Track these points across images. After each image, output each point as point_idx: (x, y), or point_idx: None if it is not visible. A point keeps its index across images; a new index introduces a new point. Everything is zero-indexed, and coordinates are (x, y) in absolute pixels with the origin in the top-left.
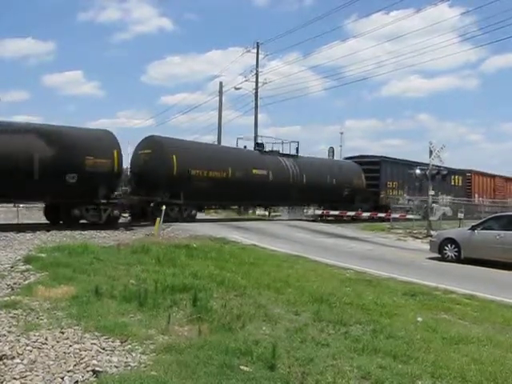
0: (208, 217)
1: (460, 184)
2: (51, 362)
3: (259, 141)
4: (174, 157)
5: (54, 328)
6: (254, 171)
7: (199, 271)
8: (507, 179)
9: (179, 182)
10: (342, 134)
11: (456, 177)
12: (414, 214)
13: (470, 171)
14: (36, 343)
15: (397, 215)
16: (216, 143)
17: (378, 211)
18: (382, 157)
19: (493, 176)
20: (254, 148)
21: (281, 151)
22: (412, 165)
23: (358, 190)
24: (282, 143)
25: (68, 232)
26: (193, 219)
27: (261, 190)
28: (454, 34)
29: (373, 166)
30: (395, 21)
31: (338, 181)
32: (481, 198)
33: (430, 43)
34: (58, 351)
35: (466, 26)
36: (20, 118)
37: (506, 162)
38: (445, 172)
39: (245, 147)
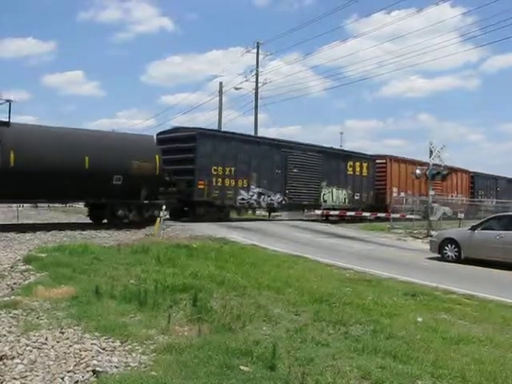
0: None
1: (366, 173)
2: (51, 362)
3: None
4: None
5: (54, 328)
6: None
7: (199, 271)
8: (450, 169)
9: None
10: (342, 134)
11: (358, 163)
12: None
13: (383, 156)
14: (36, 343)
15: (397, 215)
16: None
17: (195, 208)
18: (200, 129)
19: (424, 164)
20: None
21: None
22: (267, 143)
23: (144, 179)
24: None
25: (68, 232)
26: None
27: None
28: (455, 33)
29: (186, 144)
30: (396, 21)
31: (97, 164)
32: (403, 194)
33: (431, 43)
34: (58, 351)
35: (467, 26)
36: (20, 119)
37: (507, 162)
38: (445, 172)
39: None
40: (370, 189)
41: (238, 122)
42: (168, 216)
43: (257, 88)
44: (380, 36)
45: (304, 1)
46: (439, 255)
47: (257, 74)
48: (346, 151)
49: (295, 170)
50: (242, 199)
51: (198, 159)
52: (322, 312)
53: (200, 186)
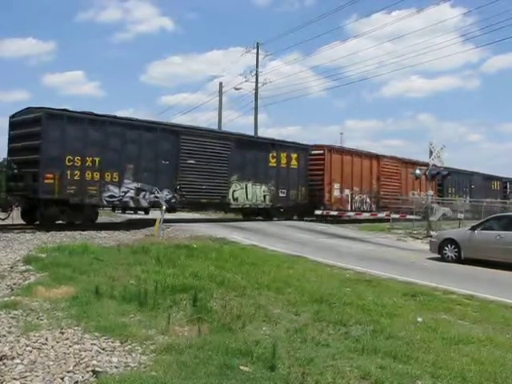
0: (208, 217)
1: (295, 166)
2: (51, 363)
3: None
4: None
5: (53, 328)
6: None
7: (199, 271)
8: (407, 162)
9: None
10: (341, 134)
11: (284, 153)
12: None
13: (320, 146)
14: (36, 344)
15: (397, 215)
16: None
17: (42, 209)
18: (49, 109)
19: (376, 156)
20: None
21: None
22: (150, 128)
23: None
24: None
25: (68, 232)
26: None
27: None
28: (455, 34)
29: (33, 128)
30: (396, 21)
31: None
32: (347, 191)
33: (431, 43)
34: (58, 352)
35: (467, 26)
36: None
37: (507, 162)
38: (445, 172)
39: None
40: (301, 184)
41: (237, 122)
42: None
43: (257, 88)
44: (380, 36)
45: (304, 1)
46: (439, 255)
47: (257, 74)
48: (266, 139)
49: (191, 161)
50: (112, 196)
51: (45, 147)
52: (322, 312)
53: (48, 181)
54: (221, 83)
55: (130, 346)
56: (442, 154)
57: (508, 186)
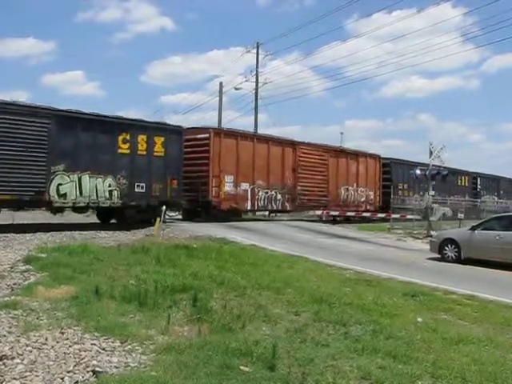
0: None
1: (161, 153)
2: (51, 363)
3: None
4: None
5: (53, 328)
6: None
7: (199, 271)
8: (338, 151)
9: None
10: (342, 134)
11: (143, 137)
12: None
13: (204, 129)
14: (36, 344)
15: (397, 215)
16: None
17: None
18: None
19: (290, 143)
20: None
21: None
22: None
23: None
24: None
25: (68, 232)
26: None
27: None
28: (455, 34)
29: None
30: (397, 21)
31: None
32: (246, 185)
33: (431, 43)
34: (58, 351)
35: (468, 26)
36: None
37: (507, 162)
38: (445, 172)
39: None
40: (171, 177)
41: (238, 122)
42: None
43: (257, 88)
44: (380, 36)
45: (304, 1)
46: (439, 255)
47: (257, 74)
48: (112, 117)
49: None
50: None
51: None
52: (322, 312)
53: None
54: (221, 83)
55: (130, 346)
56: (442, 154)
57: (478, 181)
